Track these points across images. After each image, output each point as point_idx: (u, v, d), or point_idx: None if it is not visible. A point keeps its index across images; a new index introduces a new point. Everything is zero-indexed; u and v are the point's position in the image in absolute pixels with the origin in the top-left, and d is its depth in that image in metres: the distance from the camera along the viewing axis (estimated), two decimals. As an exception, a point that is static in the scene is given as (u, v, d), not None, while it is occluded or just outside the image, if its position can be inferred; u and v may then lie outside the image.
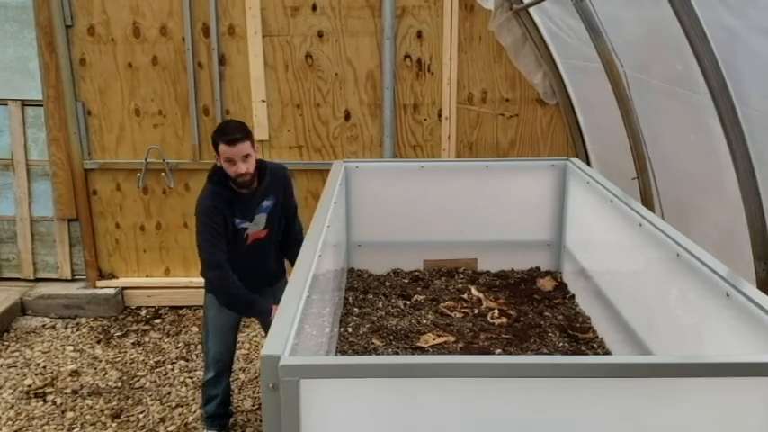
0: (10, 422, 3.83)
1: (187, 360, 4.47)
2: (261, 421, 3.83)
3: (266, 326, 3.42)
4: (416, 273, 3.85)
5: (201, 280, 5.21)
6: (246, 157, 3.10)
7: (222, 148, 3.10)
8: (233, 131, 3.13)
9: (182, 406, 3.98)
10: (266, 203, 3.27)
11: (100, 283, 5.30)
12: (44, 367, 4.42)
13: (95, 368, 4.39)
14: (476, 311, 3.34)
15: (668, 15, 2.75)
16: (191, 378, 4.25)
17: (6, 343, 4.76)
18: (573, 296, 3.50)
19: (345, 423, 1.60)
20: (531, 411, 1.65)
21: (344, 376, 1.55)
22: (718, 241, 2.98)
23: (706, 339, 2.19)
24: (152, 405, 3.99)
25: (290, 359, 1.53)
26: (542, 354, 2.91)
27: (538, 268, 3.86)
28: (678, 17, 2.52)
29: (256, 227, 3.26)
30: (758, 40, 2.34)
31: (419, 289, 3.65)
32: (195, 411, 3.90)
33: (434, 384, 1.58)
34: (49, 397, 4.08)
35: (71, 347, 4.68)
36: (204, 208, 3.17)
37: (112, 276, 5.36)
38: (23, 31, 5.04)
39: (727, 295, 1.97)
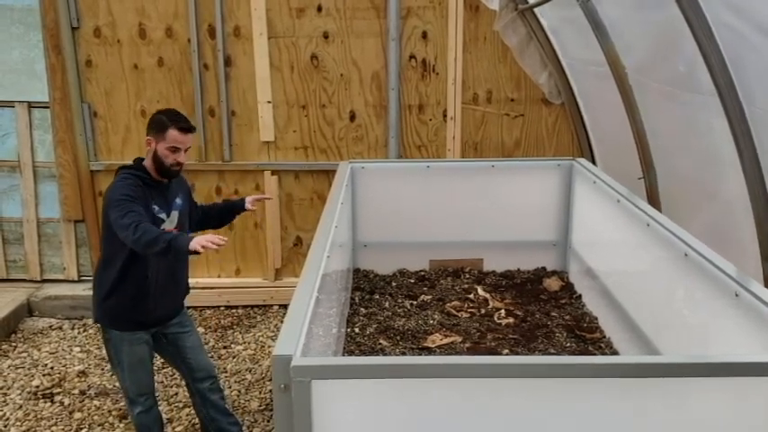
0: (18, 423, 3.85)
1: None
2: (268, 421, 3.84)
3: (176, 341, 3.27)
4: (422, 273, 3.86)
5: (206, 280, 5.29)
6: (188, 149, 3.03)
7: (174, 133, 2.94)
8: (187, 121, 3.04)
9: (189, 407, 3.99)
10: (179, 201, 3.16)
11: (106, 284, 5.31)
12: (52, 368, 4.43)
13: (102, 369, 4.41)
14: (482, 311, 3.35)
15: (669, 17, 2.76)
16: (197, 378, 4.26)
17: (14, 344, 4.77)
18: (579, 296, 3.51)
19: (357, 423, 1.61)
20: (540, 411, 1.65)
21: (356, 377, 1.55)
22: (719, 243, 2.98)
23: (714, 339, 2.19)
24: (159, 406, 3.99)
25: (301, 360, 1.54)
26: (550, 354, 2.91)
27: (544, 268, 3.86)
28: (685, 16, 2.52)
29: (171, 224, 3.10)
30: (763, 40, 2.34)
31: (425, 289, 3.66)
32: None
33: (446, 385, 1.59)
34: (57, 398, 4.10)
35: (78, 348, 4.70)
36: (122, 187, 2.89)
37: (119, 277, 5.37)
38: (29, 33, 5.05)
39: (737, 295, 1.98)
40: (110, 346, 3.15)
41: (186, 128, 3.00)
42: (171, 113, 3.07)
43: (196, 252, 2.65)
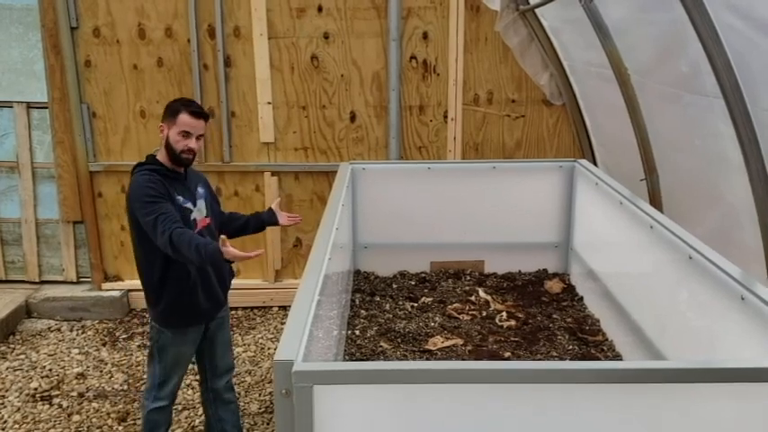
0: (16, 425, 3.82)
1: (193, 363, 4.44)
2: (268, 424, 3.82)
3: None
4: (423, 274, 3.84)
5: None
6: (200, 137, 2.99)
7: (185, 118, 2.91)
8: (200, 107, 3.02)
9: (188, 409, 3.97)
10: (201, 190, 3.13)
11: (105, 285, 5.29)
12: (50, 370, 4.41)
13: (101, 371, 4.38)
14: (484, 314, 3.33)
15: (672, 19, 2.74)
16: (197, 380, 4.22)
17: (12, 346, 4.75)
18: (581, 298, 3.49)
19: (359, 429, 1.59)
20: (544, 417, 1.63)
21: (359, 382, 1.53)
22: (722, 246, 2.96)
23: (719, 343, 2.17)
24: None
25: (303, 365, 1.52)
26: (552, 357, 2.89)
27: (545, 270, 3.84)
28: (690, 18, 2.50)
29: (200, 213, 3.06)
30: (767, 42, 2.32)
31: (426, 291, 3.64)
32: (201, 415, 3.88)
33: (450, 390, 1.57)
34: (56, 400, 4.07)
35: (77, 350, 4.67)
36: (143, 185, 2.87)
37: (118, 279, 5.35)
38: (28, 33, 5.03)
39: (742, 298, 1.96)
40: (154, 344, 3.13)
41: (198, 112, 2.96)
42: (184, 99, 3.07)
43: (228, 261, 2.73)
